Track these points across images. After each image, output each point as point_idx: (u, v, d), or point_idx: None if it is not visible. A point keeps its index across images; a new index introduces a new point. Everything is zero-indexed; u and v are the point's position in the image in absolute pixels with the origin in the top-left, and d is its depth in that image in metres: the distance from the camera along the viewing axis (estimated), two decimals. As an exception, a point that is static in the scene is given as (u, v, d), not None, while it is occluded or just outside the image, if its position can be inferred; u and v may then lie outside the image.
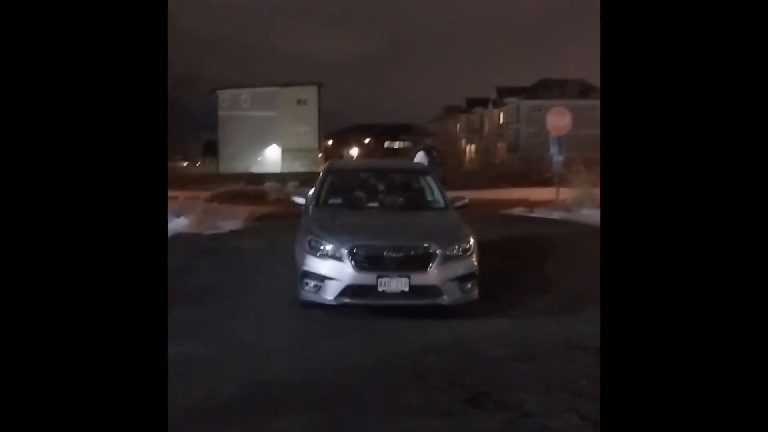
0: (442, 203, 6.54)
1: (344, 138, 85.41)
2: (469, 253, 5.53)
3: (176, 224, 10.52)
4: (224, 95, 52.49)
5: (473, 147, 60.55)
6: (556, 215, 14.13)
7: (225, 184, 28.24)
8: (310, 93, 54.24)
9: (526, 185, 25.71)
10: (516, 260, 8.47)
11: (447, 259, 5.36)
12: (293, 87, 53.55)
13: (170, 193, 19.57)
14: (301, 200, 6.44)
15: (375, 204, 6.62)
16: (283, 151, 51.73)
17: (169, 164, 54.47)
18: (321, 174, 7.00)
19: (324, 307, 5.45)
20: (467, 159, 56.74)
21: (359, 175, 7.37)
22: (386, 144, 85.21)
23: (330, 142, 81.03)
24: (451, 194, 6.86)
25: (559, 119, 15.84)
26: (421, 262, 5.31)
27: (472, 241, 5.63)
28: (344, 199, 6.56)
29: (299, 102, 53.85)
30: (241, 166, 47.60)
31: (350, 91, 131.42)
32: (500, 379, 4.14)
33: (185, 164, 60.12)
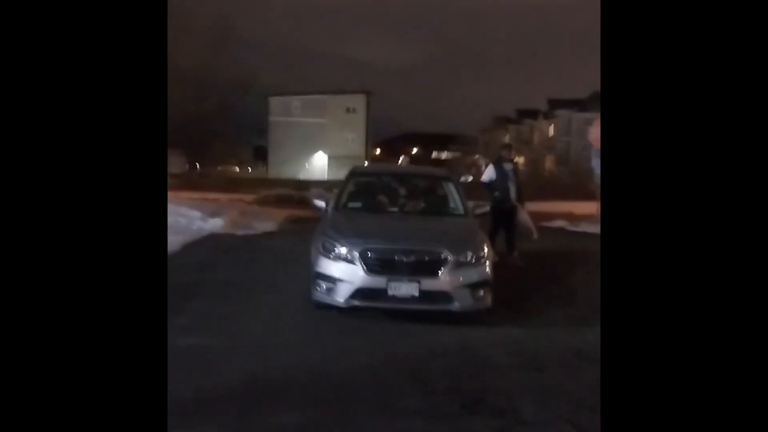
0: (461, 210, 6.51)
1: (392, 146, 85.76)
2: (482, 261, 5.48)
3: (211, 224, 10.78)
4: (275, 101, 53.60)
5: (522, 159, 59.92)
6: (593, 229, 13.82)
7: (272, 188, 28.74)
8: (358, 101, 54.78)
9: (574, 198, 25.29)
10: (540, 272, 8.34)
11: (459, 265, 5.33)
12: (343, 95, 54.21)
13: (214, 195, 20.17)
14: (321, 203, 6.51)
15: (394, 208, 6.64)
16: (330, 158, 52.32)
17: (222, 168, 55.68)
18: (344, 178, 7.08)
19: (337, 308, 5.50)
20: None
21: (381, 180, 7.40)
22: (434, 155, 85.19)
23: (378, 150, 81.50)
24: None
25: (600, 132, 15.51)
26: (432, 267, 5.30)
27: (486, 248, 5.59)
28: (364, 203, 6.61)
29: (348, 110, 54.46)
30: (289, 172, 48.43)
31: (401, 99, 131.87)
32: (502, 386, 4.08)
33: (237, 169, 61.67)
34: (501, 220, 8.68)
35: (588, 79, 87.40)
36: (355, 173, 7.16)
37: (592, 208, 16.95)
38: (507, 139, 63.28)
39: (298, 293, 6.22)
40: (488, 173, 9.03)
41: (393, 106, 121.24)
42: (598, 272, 6.21)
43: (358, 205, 6.60)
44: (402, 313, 5.42)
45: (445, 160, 77.66)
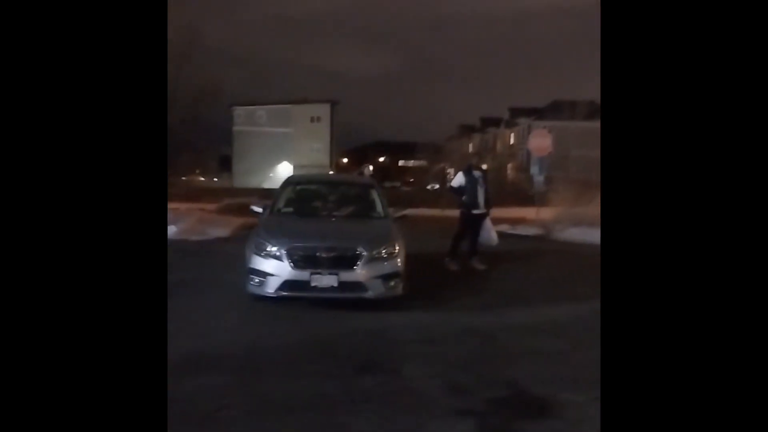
0: (381, 213, 7.41)
1: (360, 155, 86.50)
2: (393, 255, 6.37)
3: (168, 231, 11.48)
4: (240, 111, 54.12)
5: (486, 166, 61.27)
6: (531, 232, 14.88)
7: (236, 198, 29.18)
8: (323, 110, 55.69)
9: (532, 205, 26.33)
10: (467, 268, 9.27)
11: (372, 259, 6.21)
12: (307, 104, 55.02)
13: (176, 205, 20.69)
14: (259, 209, 7.36)
15: (324, 213, 7.51)
16: (295, 168, 52.99)
17: (187, 178, 55.60)
18: (280, 186, 7.93)
19: (271, 299, 6.31)
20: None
21: (313, 188, 8.28)
22: (400, 163, 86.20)
23: (345, 159, 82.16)
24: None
25: (540, 141, 16.65)
26: (349, 261, 6.16)
27: (397, 245, 6.47)
28: (295, 208, 7.48)
29: (313, 119, 55.32)
30: (254, 181, 48.86)
31: (369, 108, 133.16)
32: (394, 355, 4.95)
33: (202, 179, 61.72)
34: (468, 225, 9.12)
35: (548, 88, 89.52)
36: (290, 182, 8.04)
37: (533, 212, 18.01)
38: (471, 147, 64.96)
39: (239, 289, 7.01)
40: (458, 179, 9.33)
41: (361, 115, 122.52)
42: (519, 267, 7.52)
43: (290, 210, 7.46)
44: (325, 301, 6.29)
45: (411, 168, 78.71)
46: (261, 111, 55.11)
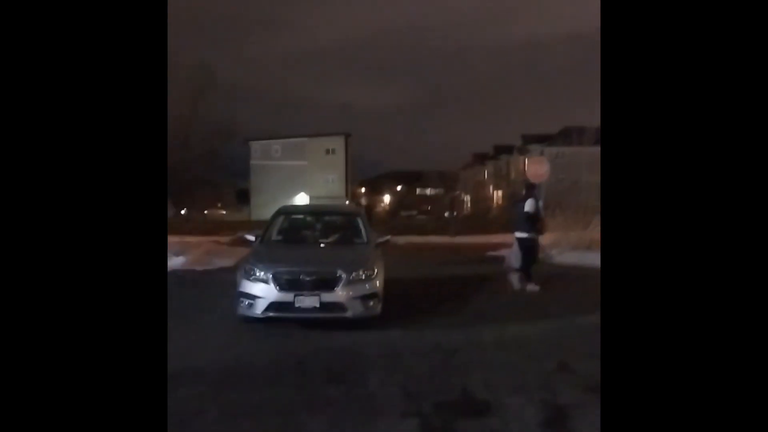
0: (365, 239, 7.95)
1: (377, 185, 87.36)
2: (372, 277, 6.88)
3: (175, 262, 12.15)
4: (256, 146, 55.43)
5: (500, 193, 61.73)
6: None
7: (252, 230, 29.72)
8: (338, 143, 56.79)
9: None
10: (451, 292, 9.74)
11: (351, 281, 6.72)
12: (322, 137, 56.19)
13: (190, 238, 21.39)
14: (251, 238, 7.95)
15: (311, 240, 8.08)
16: (311, 199, 53.92)
17: (208, 212, 56.52)
18: (271, 216, 8.54)
19: (259, 320, 6.84)
20: (494, 204, 58.16)
21: (302, 217, 8.88)
22: (418, 191, 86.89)
23: (363, 189, 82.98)
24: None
25: (537, 168, 17.04)
26: (329, 284, 6.68)
27: (376, 268, 6.99)
28: (284, 236, 8.06)
29: (328, 151, 56.41)
30: (271, 213, 49.66)
31: (383, 139, 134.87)
32: (361, 368, 5.42)
33: (224, 212, 62.94)
34: (529, 250, 9.70)
35: (559, 114, 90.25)
36: (280, 212, 8.65)
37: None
38: (486, 175, 65.52)
39: (230, 312, 7.56)
40: (530, 204, 9.68)
41: (375, 146, 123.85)
42: (501, 291, 7.97)
43: (280, 238, 8.04)
44: (308, 321, 6.80)
45: (428, 196, 79.24)
46: (277, 145, 56.44)
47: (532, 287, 9.64)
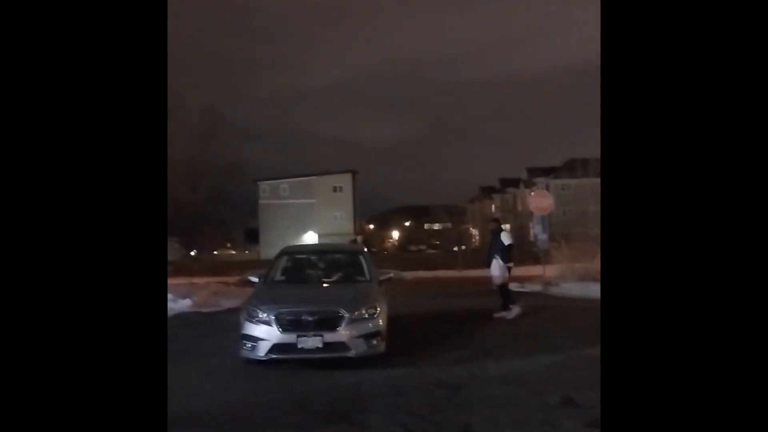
0: (367, 277, 7.99)
1: (385, 221, 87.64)
2: (375, 316, 6.90)
3: (180, 305, 12.20)
4: (264, 186, 56.01)
5: (508, 226, 61.71)
6: (536, 288, 15.26)
7: (257, 270, 29.78)
8: (345, 180, 57.31)
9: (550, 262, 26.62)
10: (456, 326, 9.73)
11: (354, 320, 6.75)
12: (329, 175, 56.71)
13: (197, 279, 21.46)
14: (255, 279, 8.02)
15: (314, 279, 8.13)
16: (320, 236, 54.10)
17: (218, 252, 56.75)
18: (275, 256, 8.62)
19: (262, 362, 6.86)
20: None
21: (305, 257, 8.95)
22: (426, 225, 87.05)
23: (371, 225, 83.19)
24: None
25: (541, 201, 17.17)
26: (332, 323, 6.70)
27: (378, 306, 7.01)
28: (287, 276, 8.12)
29: (335, 189, 56.92)
30: (280, 252, 49.84)
31: (390, 174, 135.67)
32: (365, 407, 5.42)
33: (233, 252, 63.21)
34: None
35: (562, 147, 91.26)
36: (284, 252, 8.72)
37: (553, 270, 18.32)
38: (493, 208, 65.63)
39: (233, 354, 7.58)
40: (505, 236, 11.23)
41: (384, 181, 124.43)
42: (500, 322, 7.97)
43: (282, 278, 8.10)
44: (311, 361, 6.80)
45: (437, 230, 79.25)
46: (285, 184, 57.06)
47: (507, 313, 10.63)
